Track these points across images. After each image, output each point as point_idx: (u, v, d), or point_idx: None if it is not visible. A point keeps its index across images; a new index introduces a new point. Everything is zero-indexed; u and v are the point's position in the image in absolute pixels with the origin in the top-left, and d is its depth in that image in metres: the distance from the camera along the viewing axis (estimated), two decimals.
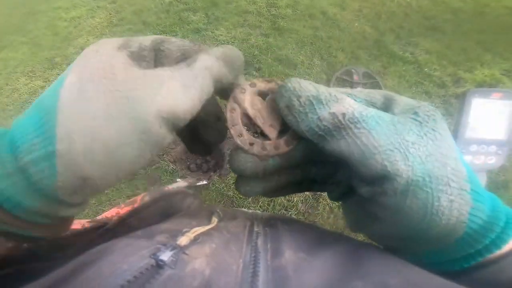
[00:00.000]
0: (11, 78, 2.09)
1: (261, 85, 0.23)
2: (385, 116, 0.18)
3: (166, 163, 1.43)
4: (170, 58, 0.21)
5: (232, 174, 1.38)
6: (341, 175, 0.24)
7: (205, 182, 1.38)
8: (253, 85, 0.23)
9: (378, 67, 1.93)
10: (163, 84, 0.18)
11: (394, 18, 2.23)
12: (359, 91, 0.21)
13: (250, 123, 0.22)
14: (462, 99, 0.45)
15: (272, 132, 0.22)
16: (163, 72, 0.19)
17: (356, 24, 2.18)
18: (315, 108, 0.19)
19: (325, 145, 0.19)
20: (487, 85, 1.80)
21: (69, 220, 0.22)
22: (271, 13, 2.22)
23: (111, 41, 0.20)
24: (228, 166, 1.39)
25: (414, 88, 1.84)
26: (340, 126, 0.18)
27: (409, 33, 2.13)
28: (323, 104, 0.19)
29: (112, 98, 0.17)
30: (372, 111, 0.18)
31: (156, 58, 0.21)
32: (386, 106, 0.20)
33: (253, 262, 0.20)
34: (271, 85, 0.23)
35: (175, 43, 0.21)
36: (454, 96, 1.74)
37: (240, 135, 0.22)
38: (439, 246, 0.19)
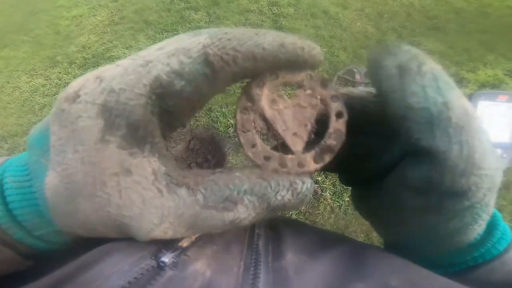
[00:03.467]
0: (12, 77, 2.09)
1: (287, 76, 0.17)
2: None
3: None
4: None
5: None
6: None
7: None
8: (275, 76, 0.17)
9: None
10: (163, 220, 0.16)
11: (396, 18, 2.22)
12: None
13: (267, 128, 0.17)
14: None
15: (296, 144, 0.17)
16: (169, 203, 0.16)
17: (358, 24, 2.17)
18: (439, 87, 0.14)
19: (423, 140, 0.15)
20: (490, 86, 1.79)
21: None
22: (273, 12, 2.21)
23: (89, 120, 0.15)
24: (229, 165, 1.39)
25: None
26: (464, 125, 0.14)
27: (411, 33, 2.12)
28: (448, 85, 0.14)
29: (104, 215, 0.16)
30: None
31: (161, 111, 0.16)
32: None
33: (254, 264, 0.20)
34: (301, 77, 0.17)
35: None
36: None
37: (253, 145, 0.17)
38: (440, 254, 0.20)
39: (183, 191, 0.16)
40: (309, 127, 0.17)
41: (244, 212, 0.16)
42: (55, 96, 1.87)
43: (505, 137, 0.46)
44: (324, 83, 0.18)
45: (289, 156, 0.17)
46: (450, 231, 0.18)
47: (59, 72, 2.04)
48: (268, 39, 0.15)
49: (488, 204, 0.16)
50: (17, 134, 1.73)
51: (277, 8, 2.24)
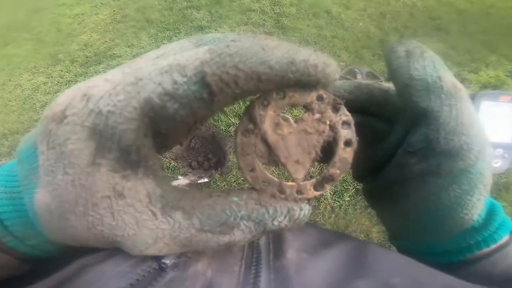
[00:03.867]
0: (14, 74, 2.09)
1: (295, 96, 0.16)
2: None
3: (167, 160, 1.43)
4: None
5: (233, 172, 1.38)
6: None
7: (206, 180, 1.38)
8: (281, 94, 0.16)
9: (382, 66, 1.92)
10: (158, 241, 0.16)
11: (399, 18, 2.22)
12: None
13: (269, 153, 0.17)
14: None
15: (298, 172, 0.17)
16: (163, 226, 0.15)
17: (361, 24, 2.17)
18: (435, 67, 0.18)
19: (421, 102, 0.18)
20: (491, 87, 1.79)
21: None
22: (275, 11, 2.21)
23: (79, 143, 0.14)
24: (229, 163, 1.39)
25: None
26: (453, 93, 0.18)
27: (414, 33, 2.12)
28: (442, 67, 0.19)
29: (97, 233, 0.16)
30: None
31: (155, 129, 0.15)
32: None
33: (255, 262, 0.20)
34: (311, 98, 0.16)
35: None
36: None
37: (252, 169, 0.17)
38: (445, 236, 0.21)
39: (178, 215, 0.15)
40: (313, 155, 0.16)
41: (240, 236, 0.16)
42: (56, 94, 1.87)
43: (507, 138, 0.46)
44: (336, 107, 0.16)
45: (289, 183, 0.17)
46: (450, 199, 0.18)
47: (61, 70, 2.04)
48: (277, 55, 0.13)
49: (481, 173, 0.18)
50: (18, 132, 1.73)
51: (279, 8, 2.23)
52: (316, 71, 0.14)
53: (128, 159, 0.14)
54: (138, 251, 0.16)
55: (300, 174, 0.17)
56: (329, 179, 0.17)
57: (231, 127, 1.51)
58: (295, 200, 0.16)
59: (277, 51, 0.14)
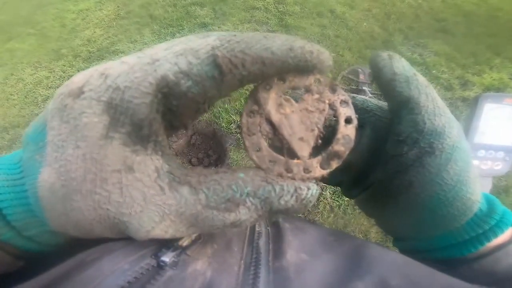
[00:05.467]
0: (16, 69, 2.10)
1: (295, 80, 0.17)
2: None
3: None
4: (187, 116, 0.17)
5: None
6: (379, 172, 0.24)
7: None
8: (282, 79, 0.17)
9: None
10: (164, 217, 0.16)
11: (403, 19, 2.20)
12: None
13: (273, 132, 0.17)
14: (473, 103, 0.44)
15: (302, 149, 0.17)
16: (170, 201, 0.16)
17: (365, 24, 2.16)
18: (410, 67, 0.21)
19: (404, 92, 0.21)
20: (494, 89, 1.78)
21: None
22: (279, 10, 2.20)
23: (94, 116, 0.15)
24: (229, 161, 1.39)
25: None
26: (426, 84, 0.21)
27: (418, 35, 2.10)
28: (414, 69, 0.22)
29: (103, 214, 0.16)
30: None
31: (167, 109, 0.16)
32: None
33: (254, 263, 0.20)
34: (309, 81, 0.17)
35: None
36: (461, 99, 1.72)
37: (258, 149, 0.17)
38: (452, 228, 0.21)
39: (185, 190, 0.16)
40: (316, 132, 0.17)
41: (246, 214, 0.16)
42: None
43: (509, 141, 0.45)
44: (333, 88, 0.17)
45: (295, 161, 0.17)
46: (452, 177, 0.20)
47: (63, 65, 2.05)
48: (277, 43, 0.15)
49: (468, 150, 0.21)
50: (19, 125, 1.74)
51: (283, 6, 2.22)
52: (312, 56, 0.15)
53: (139, 134, 0.15)
54: (144, 232, 0.16)
55: (305, 151, 0.17)
56: (335, 156, 0.17)
57: (232, 124, 1.51)
58: (303, 179, 0.17)
59: (277, 40, 0.15)
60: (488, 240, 0.21)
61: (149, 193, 0.15)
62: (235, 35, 0.15)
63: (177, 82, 0.15)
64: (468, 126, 0.45)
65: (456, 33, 2.12)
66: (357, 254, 0.21)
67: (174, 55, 0.15)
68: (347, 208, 1.30)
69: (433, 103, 0.20)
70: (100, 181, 0.15)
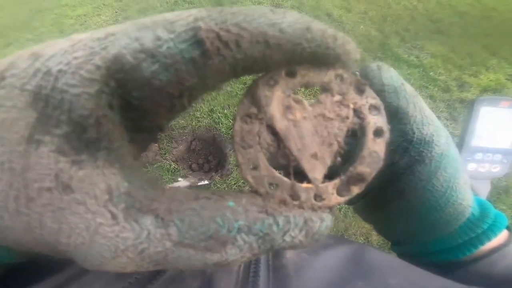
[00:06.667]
0: None
1: (309, 74, 0.12)
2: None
3: (167, 162, 1.43)
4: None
5: (234, 175, 1.38)
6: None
7: (206, 182, 1.38)
8: (292, 73, 0.12)
9: None
10: (118, 253, 0.11)
11: (399, 21, 2.22)
12: None
13: (277, 145, 0.13)
14: (470, 106, 0.45)
15: (315, 169, 0.13)
16: (125, 234, 0.11)
17: (362, 27, 2.17)
18: (398, 77, 0.22)
19: (393, 102, 0.21)
20: (492, 90, 1.79)
21: None
22: None
23: (14, 111, 0.11)
24: (230, 166, 1.39)
25: (418, 92, 1.82)
26: (414, 94, 0.21)
27: (414, 36, 2.12)
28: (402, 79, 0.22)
29: (38, 238, 0.12)
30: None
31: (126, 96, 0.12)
32: None
33: (254, 262, 0.20)
34: (328, 77, 0.12)
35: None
36: (458, 100, 1.73)
37: (255, 167, 0.12)
38: (445, 232, 0.22)
39: (148, 220, 0.11)
40: (335, 147, 0.13)
41: (236, 255, 0.12)
42: None
43: (506, 143, 0.46)
44: (360, 88, 0.13)
45: (304, 184, 0.12)
46: (442, 184, 0.20)
47: None
48: (289, 19, 0.11)
49: (457, 158, 0.21)
50: None
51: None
52: (335, 44, 0.11)
53: (84, 138, 0.11)
54: (95, 266, 0.12)
55: (318, 172, 0.13)
56: (357, 179, 0.13)
57: (231, 130, 1.51)
58: (313, 209, 0.12)
59: (289, 16, 0.11)
60: (482, 243, 0.22)
61: (94, 222, 0.11)
62: (231, 7, 0.11)
63: (136, 65, 0.11)
64: (465, 130, 0.46)
65: (451, 34, 2.14)
66: (357, 255, 0.21)
67: (136, 28, 0.11)
68: (348, 211, 1.30)
69: (421, 112, 0.21)
70: (25, 200, 0.11)
